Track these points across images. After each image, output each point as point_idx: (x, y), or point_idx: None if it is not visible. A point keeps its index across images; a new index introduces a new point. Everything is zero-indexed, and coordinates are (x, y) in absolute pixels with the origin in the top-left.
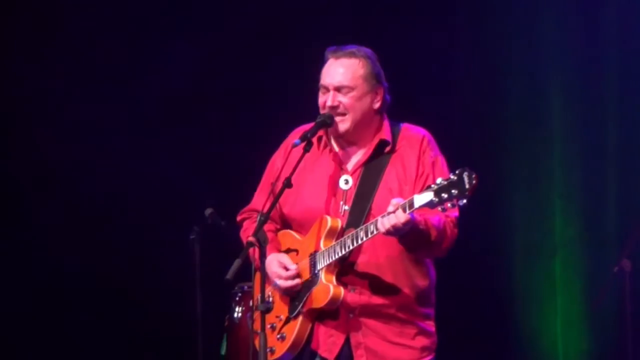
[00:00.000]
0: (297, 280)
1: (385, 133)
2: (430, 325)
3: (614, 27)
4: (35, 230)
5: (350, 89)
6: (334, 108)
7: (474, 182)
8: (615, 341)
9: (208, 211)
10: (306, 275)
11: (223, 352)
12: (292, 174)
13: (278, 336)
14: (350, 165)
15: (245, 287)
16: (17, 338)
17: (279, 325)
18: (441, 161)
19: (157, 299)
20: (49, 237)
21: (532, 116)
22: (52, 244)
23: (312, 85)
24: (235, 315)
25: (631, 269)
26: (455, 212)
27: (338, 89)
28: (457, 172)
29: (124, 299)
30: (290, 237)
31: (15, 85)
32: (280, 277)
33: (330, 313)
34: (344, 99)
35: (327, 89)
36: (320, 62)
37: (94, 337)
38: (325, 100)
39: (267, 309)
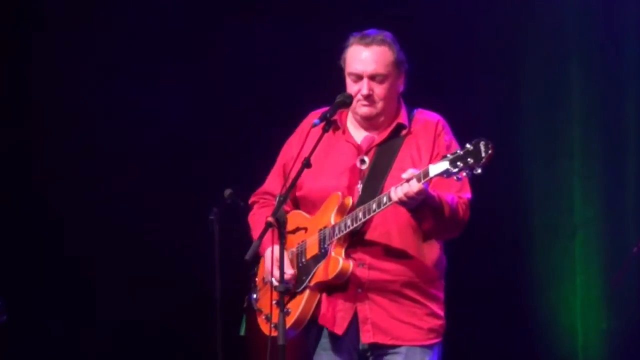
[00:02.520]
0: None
1: (403, 117)
2: (439, 309)
3: (634, 6)
4: (48, 210)
5: (385, 77)
6: (368, 97)
7: (490, 151)
8: (634, 320)
9: (227, 192)
10: (315, 250)
11: (242, 332)
12: (311, 153)
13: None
14: (366, 146)
15: None
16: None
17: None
18: (455, 146)
19: (175, 280)
20: (64, 220)
21: (551, 96)
22: (66, 224)
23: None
24: (254, 296)
25: None
26: (467, 194)
27: (372, 77)
28: (473, 142)
29: (143, 280)
30: (300, 216)
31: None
32: (276, 279)
33: (339, 288)
34: (378, 88)
35: (359, 77)
36: (337, 43)
37: (110, 318)
38: (359, 88)
39: (287, 289)
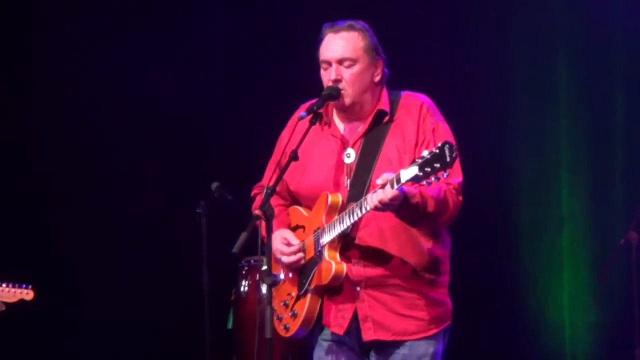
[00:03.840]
0: (299, 255)
1: (384, 103)
2: (442, 294)
3: (621, 1)
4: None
5: (353, 61)
6: (337, 81)
7: (454, 154)
8: (621, 313)
9: (214, 185)
10: (311, 252)
11: (230, 326)
12: (298, 146)
13: (290, 313)
14: (351, 139)
15: (252, 261)
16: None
17: (291, 303)
18: (442, 126)
19: (163, 274)
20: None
21: (539, 89)
22: (54, 218)
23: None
24: (242, 289)
25: (638, 241)
26: (457, 179)
27: (340, 62)
28: (439, 145)
29: (130, 274)
30: (298, 213)
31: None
32: (283, 253)
33: (337, 288)
34: (346, 73)
35: (328, 64)
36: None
37: (100, 311)
38: (329, 76)
39: (274, 282)
